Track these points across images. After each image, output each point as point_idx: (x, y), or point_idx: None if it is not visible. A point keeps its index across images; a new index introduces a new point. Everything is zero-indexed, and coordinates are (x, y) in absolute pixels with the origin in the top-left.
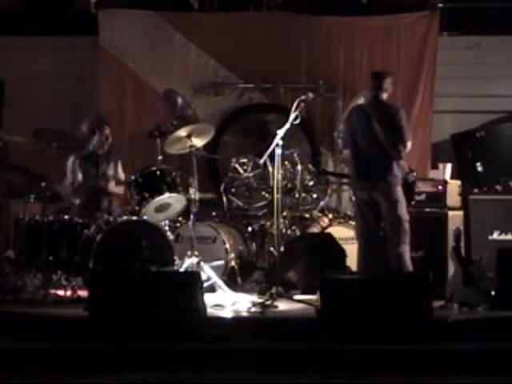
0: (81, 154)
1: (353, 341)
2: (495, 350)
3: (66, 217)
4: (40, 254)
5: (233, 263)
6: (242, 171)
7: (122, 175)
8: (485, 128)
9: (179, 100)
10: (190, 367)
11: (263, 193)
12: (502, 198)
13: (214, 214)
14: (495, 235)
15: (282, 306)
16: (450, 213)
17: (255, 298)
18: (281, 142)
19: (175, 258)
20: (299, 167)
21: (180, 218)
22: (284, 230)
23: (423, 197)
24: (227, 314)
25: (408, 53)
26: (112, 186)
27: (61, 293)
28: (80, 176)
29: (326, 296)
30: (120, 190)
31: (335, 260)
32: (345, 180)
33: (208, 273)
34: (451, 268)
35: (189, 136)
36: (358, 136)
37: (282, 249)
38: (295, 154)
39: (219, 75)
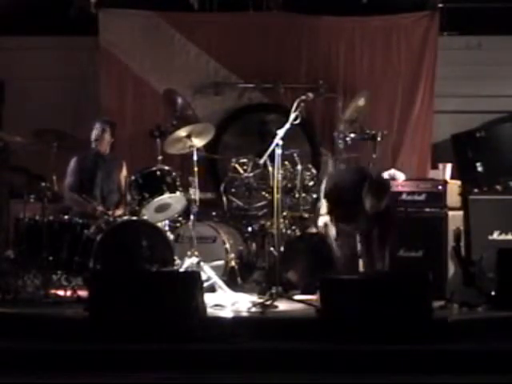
0: (84, 154)
1: (353, 341)
2: (495, 350)
3: (66, 217)
4: (40, 254)
5: (233, 263)
6: (242, 171)
7: (122, 180)
8: (485, 128)
9: (179, 100)
10: (189, 367)
11: (263, 193)
12: (502, 198)
13: (214, 213)
14: (495, 235)
15: (282, 306)
16: (450, 213)
17: (255, 298)
18: (281, 142)
19: (175, 257)
20: (299, 167)
21: (180, 218)
22: (284, 230)
23: (423, 197)
24: (227, 313)
25: (408, 53)
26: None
27: (61, 293)
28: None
29: (325, 296)
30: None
31: (335, 260)
32: None
33: (208, 273)
34: (451, 268)
35: (189, 136)
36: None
37: (282, 249)
38: (295, 154)
39: (219, 75)
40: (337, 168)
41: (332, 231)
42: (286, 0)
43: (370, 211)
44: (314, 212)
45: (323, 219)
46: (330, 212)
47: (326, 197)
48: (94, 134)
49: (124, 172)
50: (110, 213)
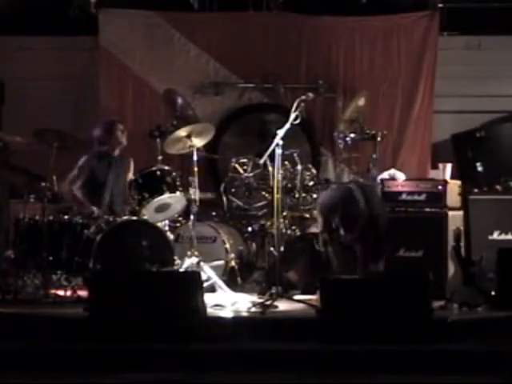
0: (95, 152)
1: (353, 341)
2: (495, 350)
3: (66, 217)
4: (40, 254)
5: (233, 263)
6: (241, 171)
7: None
8: (485, 128)
9: (179, 100)
10: (189, 367)
11: (263, 193)
12: (502, 198)
13: (214, 213)
14: (495, 235)
15: (282, 306)
16: (450, 213)
17: (255, 298)
18: (281, 142)
19: (175, 257)
20: (299, 167)
21: (180, 218)
22: (284, 230)
23: (423, 197)
24: (227, 313)
25: (408, 53)
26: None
27: (61, 293)
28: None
29: (326, 296)
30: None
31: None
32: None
33: (208, 273)
34: (451, 268)
35: (189, 136)
36: None
37: (282, 249)
38: (295, 154)
39: (219, 75)
40: (328, 188)
41: (329, 251)
42: (286, 0)
43: (343, 241)
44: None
45: (322, 237)
46: (324, 228)
47: (319, 213)
48: (119, 136)
49: (131, 171)
50: (106, 216)
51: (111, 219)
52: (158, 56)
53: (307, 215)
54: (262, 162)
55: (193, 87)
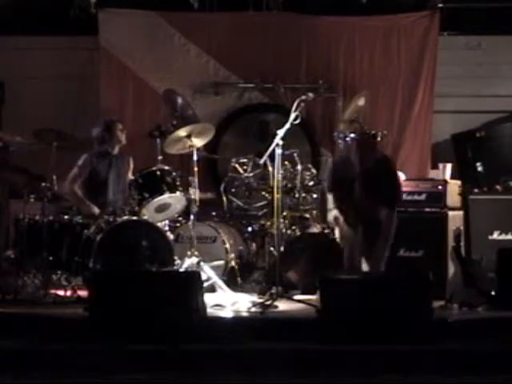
0: (95, 151)
1: (353, 341)
2: (495, 350)
3: (66, 217)
4: (40, 254)
5: (233, 263)
6: (242, 171)
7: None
8: (485, 128)
9: (179, 100)
10: (190, 367)
11: (263, 193)
12: (501, 198)
13: (214, 213)
14: (495, 235)
15: (282, 305)
16: (450, 213)
17: (255, 298)
18: (281, 142)
19: (175, 257)
20: (299, 167)
21: (180, 218)
22: (284, 230)
23: (423, 197)
24: (227, 313)
25: (408, 53)
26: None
27: (61, 293)
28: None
29: (326, 296)
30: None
31: (335, 260)
32: None
33: (208, 273)
34: (451, 268)
35: (189, 136)
36: None
37: (282, 249)
38: (295, 154)
39: (219, 75)
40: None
41: (341, 224)
42: (286, 0)
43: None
44: (321, 209)
45: (332, 213)
46: (336, 201)
47: (330, 188)
48: (118, 135)
49: (131, 170)
50: (106, 216)
51: (111, 219)
52: (157, 56)
53: (307, 215)
54: (262, 162)
55: (193, 87)
